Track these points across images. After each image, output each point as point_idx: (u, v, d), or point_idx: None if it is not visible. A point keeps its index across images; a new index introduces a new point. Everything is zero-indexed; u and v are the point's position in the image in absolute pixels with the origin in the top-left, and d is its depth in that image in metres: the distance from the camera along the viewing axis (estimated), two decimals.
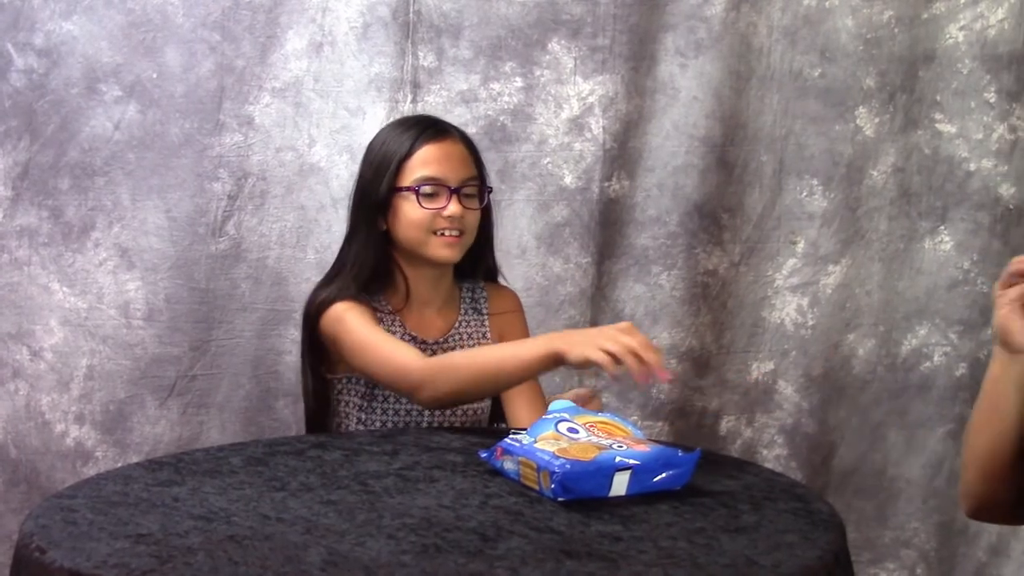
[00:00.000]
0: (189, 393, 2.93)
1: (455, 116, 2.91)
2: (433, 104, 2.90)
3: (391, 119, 2.86)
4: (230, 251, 2.92)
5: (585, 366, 1.96)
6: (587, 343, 1.94)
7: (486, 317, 2.39)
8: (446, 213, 2.25)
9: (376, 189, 2.29)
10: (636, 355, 1.89)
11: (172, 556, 1.48)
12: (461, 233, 2.27)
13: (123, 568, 1.44)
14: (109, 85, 2.88)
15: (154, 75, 2.88)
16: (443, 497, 1.73)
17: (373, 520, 1.62)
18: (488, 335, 2.38)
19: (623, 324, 1.97)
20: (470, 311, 2.38)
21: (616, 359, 1.90)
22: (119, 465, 2.68)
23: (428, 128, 2.32)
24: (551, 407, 1.93)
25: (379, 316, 2.29)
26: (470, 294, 2.40)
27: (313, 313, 2.29)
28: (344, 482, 1.81)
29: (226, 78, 2.89)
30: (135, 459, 2.81)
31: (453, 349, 2.33)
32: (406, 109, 2.89)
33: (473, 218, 2.30)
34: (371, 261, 2.29)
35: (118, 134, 2.88)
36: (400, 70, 2.91)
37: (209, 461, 1.93)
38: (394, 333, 2.29)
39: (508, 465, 1.80)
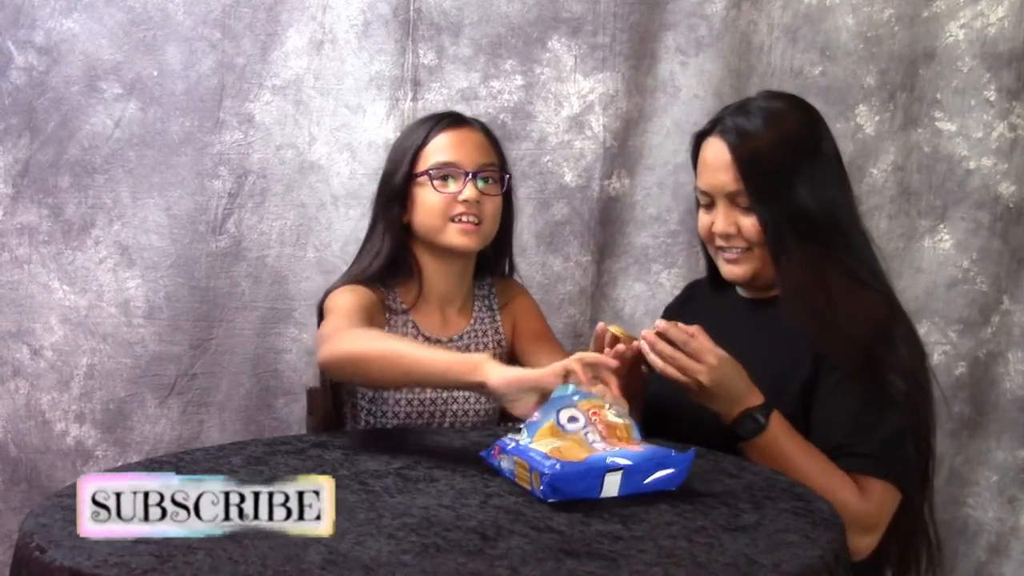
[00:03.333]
0: (189, 392, 2.93)
1: None
2: (433, 102, 2.90)
3: (391, 117, 2.87)
4: (230, 249, 2.92)
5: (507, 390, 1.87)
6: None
7: (497, 312, 2.39)
8: (461, 197, 2.23)
9: (394, 179, 2.29)
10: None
11: (172, 555, 1.48)
12: (480, 221, 2.25)
13: (123, 567, 1.44)
14: (109, 83, 2.87)
15: (154, 73, 2.88)
16: (443, 496, 1.73)
17: (373, 519, 1.63)
18: (501, 330, 2.38)
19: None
20: (483, 308, 2.38)
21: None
22: (119, 464, 2.68)
23: (445, 118, 2.33)
24: (555, 392, 1.88)
25: (389, 316, 2.28)
26: (483, 291, 2.40)
27: (320, 304, 2.29)
28: (344, 481, 1.81)
29: (227, 76, 2.89)
30: (135, 458, 2.82)
31: (468, 348, 2.32)
32: (406, 107, 2.89)
33: (492, 206, 2.28)
34: (388, 251, 2.28)
35: (118, 132, 2.88)
36: (401, 68, 2.91)
37: (209, 460, 1.93)
38: (405, 334, 2.28)
39: (505, 464, 1.80)
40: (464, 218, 2.24)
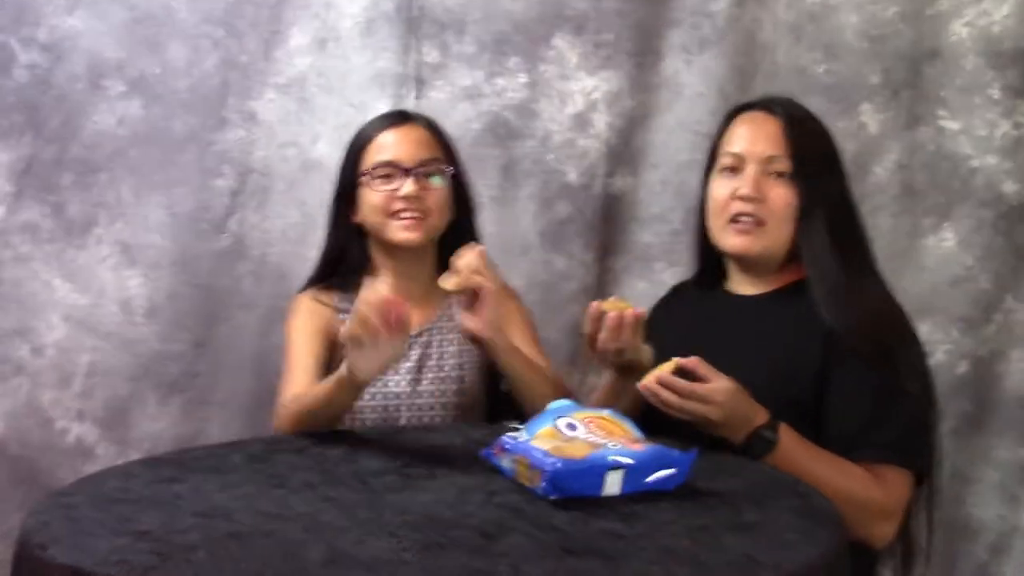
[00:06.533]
0: (190, 390, 2.93)
1: (459, 112, 2.90)
2: (437, 100, 2.90)
3: None
4: (233, 247, 2.92)
5: (351, 341, 1.91)
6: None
7: None
8: (400, 193, 2.28)
9: (342, 180, 2.37)
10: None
11: (173, 553, 1.48)
12: (423, 215, 2.29)
13: (124, 565, 1.44)
14: (113, 80, 2.87)
15: (158, 70, 2.88)
16: (444, 494, 1.73)
17: (374, 518, 1.62)
18: None
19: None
20: (455, 305, 2.37)
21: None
22: (120, 462, 2.68)
23: (390, 117, 2.39)
24: (550, 405, 1.92)
25: (343, 317, 2.31)
26: None
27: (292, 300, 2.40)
28: (345, 479, 1.81)
29: (230, 73, 2.89)
30: (136, 456, 2.81)
31: (430, 344, 2.34)
32: (410, 105, 2.88)
33: (435, 199, 2.31)
34: (338, 252, 2.36)
35: (121, 130, 2.88)
36: (404, 65, 2.91)
37: (210, 458, 1.94)
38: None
39: (506, 463, 1.80)
40: (405, 214, 2.29)
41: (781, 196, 2.13)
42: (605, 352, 2.07)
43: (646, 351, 2.12)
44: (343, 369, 1.97)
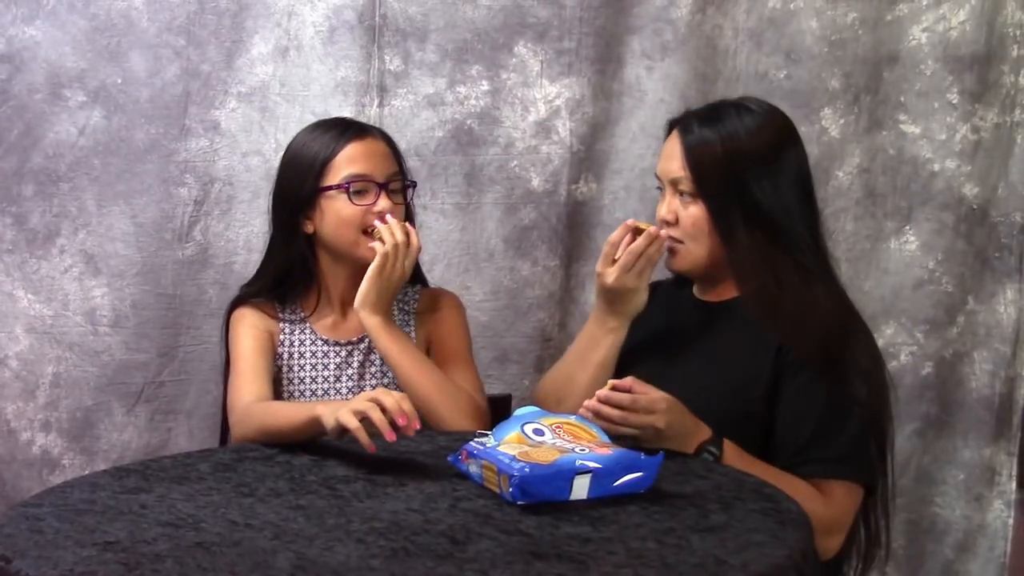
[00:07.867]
0: (156, 399, 2.91)
1: (422, 120, 2.90)
2: (399, 108, 2.90)
3: None
4: (197, 256, 2.91)
5: (340, 434, 1.92)
6: (343, 407, 1.91)
7: (412, 316, 2.39)
8: (376, 209, 2.26)
9: (299, 190, 2.30)
10: (383, 409, 1.86)
11: (140, 563, 1.47)
12: None
13: None
14: (73, 90, 2.86)
15: (119, 80, 2.87)
16: (412, 501, 1.73)
17: (342, 525, 1.62)
18: (413, 335, 2.37)
19: (380, 389, 1.96)
20: (397, 312, 2.37)
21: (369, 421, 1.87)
22: (86, 473, 2.67)
23: (350, 128, 2.35)
24: (517, 411, 1.93)
25: (284, 327, 2.33)
26: (404, 297, 2.39)
27: (226, 312, 2.37)
28: (313, 487, 1.81)
29: (192, 83, 2.88)
30: (102, 466, 2.79)
31: (371, 350, 2.33)
32: (372, 113, 2.88)
33: (399, 215, 2.30)
34: (289, 262, 2.32)
35: (83, 140, 2.87)
36: (366, 74, 2.91)
37: (177, 468, 1.93)
38: (303, 341, 2.33)
39: (472, 468, 1.80)
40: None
41: (691, 216, 2.18)
42: (628, 262, 2.15)
43: (643, 292, 2.19)
44: (317, 413, 1.96)
